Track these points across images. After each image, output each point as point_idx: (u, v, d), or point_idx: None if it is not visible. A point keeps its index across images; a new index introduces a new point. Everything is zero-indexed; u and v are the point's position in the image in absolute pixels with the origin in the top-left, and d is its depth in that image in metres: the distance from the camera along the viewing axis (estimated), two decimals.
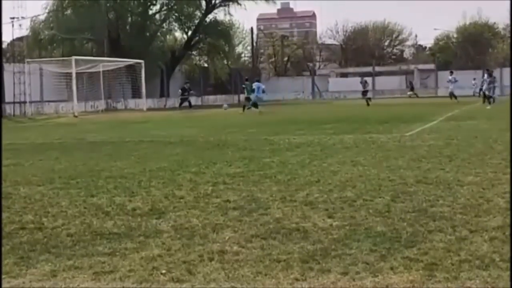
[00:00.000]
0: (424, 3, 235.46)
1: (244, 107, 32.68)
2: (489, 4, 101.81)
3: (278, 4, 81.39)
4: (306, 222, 5.81)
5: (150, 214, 6.36)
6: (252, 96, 32.19)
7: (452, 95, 38.35)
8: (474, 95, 43.57)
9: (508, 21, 62.53)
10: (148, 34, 53.07)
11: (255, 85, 32.70)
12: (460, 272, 4.19)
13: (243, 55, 71.90)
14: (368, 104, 36.48)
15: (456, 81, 39.65)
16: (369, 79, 63.43)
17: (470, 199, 6.67)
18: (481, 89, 37.02)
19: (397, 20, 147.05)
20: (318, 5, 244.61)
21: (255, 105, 31.59)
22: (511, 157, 9.49)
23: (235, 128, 19.63)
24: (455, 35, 73.34)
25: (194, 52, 62.15)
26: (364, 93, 39.25)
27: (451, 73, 40.86)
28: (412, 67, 68.48)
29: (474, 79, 46.45)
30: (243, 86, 33.17)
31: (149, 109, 39.81)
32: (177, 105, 41.43)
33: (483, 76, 37.85)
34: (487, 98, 32.97)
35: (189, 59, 62.06)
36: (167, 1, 54.97)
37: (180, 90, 40.98)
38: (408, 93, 54.49)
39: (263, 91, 33.17)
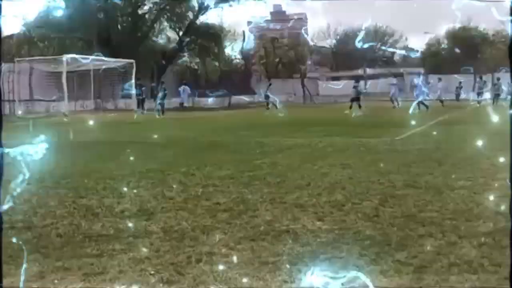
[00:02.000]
0: (415, 8, 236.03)
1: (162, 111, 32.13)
2: (479, 13, 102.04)
3: (270, 7, 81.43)
4: (295, 224, 5.81)
5: (139, 215, 6.34)
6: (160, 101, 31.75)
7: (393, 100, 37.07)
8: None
9: (498, 28, 62.85)
10: (139, 34, 52.97)
11: (181, 88, 32.45)
12: (450, 276, 4.20)
13: (233, 57, 71.94)
14: (267, 108, 36.56)
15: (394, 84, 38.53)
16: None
17: (459, 204, 6.69)
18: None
19: (389, 24, 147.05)
20: (310, 8, 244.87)
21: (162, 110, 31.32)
22: (511, 162, 9.50)
23: (226, 130, 19.61)
24: (445, 41, 73.70)
25: (185, 54, 62.09)
26: (267, 97, 39.25)
27: (395, 76, 38.97)
28: (401, 70, 68.78)
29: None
30: (163, 91, 32.92)
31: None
32: (170, 106, 41.05)
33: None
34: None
35: (180, 60, 61.98)
36: (158, 1, 54.87)
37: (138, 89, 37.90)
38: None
39: (189, 96, 33.38)
